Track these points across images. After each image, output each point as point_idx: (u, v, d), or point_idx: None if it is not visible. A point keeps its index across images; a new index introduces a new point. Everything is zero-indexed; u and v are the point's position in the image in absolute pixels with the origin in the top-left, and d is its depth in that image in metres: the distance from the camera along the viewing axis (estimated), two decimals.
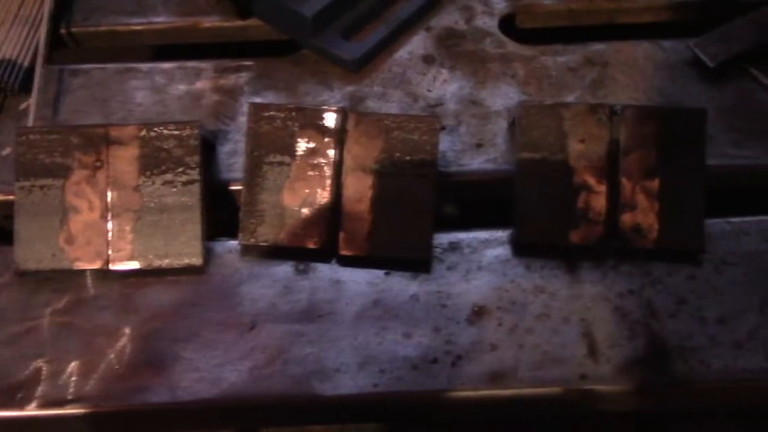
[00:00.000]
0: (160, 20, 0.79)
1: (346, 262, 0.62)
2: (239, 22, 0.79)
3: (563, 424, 0.99)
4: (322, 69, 0.75)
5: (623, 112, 0.63)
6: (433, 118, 0.63)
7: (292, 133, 0.63)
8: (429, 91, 0.73)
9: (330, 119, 0.63)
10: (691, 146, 0.63)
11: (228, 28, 0.79)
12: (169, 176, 0.62)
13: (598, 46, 0.76)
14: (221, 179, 0.67)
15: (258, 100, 0.73)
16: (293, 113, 0.63)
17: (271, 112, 0.63)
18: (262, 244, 0.62)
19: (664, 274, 0.62)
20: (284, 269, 0.62)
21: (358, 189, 0.62)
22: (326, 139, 0.63)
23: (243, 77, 0.74)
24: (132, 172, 0.62)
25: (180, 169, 0.62)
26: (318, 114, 0.63)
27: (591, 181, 0.62)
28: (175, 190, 0.62)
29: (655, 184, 0.62)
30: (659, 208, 0.62)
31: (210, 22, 0.79)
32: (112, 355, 0.59)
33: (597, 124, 0.63)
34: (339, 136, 0.63)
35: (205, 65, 0.75)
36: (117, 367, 0.58)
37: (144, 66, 0.75)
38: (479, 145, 0.69)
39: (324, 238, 0.62)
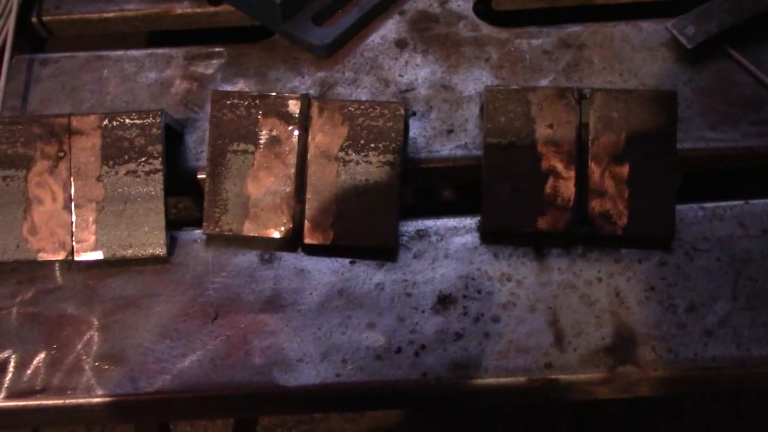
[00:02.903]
0: (132, 7, 0.78)
1: (311, 251, 0.62)
2: (211, 8, 0.78)
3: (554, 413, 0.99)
4: (293, 55, 0.74)
5: (592, 95, 0.62)
6: (397, 104, 0.62)
7: (255, 122, 0.62)
8: (401, 76, 0.72)
9: (293, 107, 0.62)
10: (662, 130, 0.62)
11: (199, 15, 0.78)
12: (131, 166, 0.61)
13: (573, 28, 0.74)
14: (189, 168, 0.67)
15: (228, 87, 0.72)
16: (256, 101, 0.62)
17: (234, 100, 0.63)
18: (226, 233, 0.61)
19: (635, 261, 0.61)
20: (249, 258, 0.62)
21: (323, 177, 0.61)
22: (290, 127, 0.62)
23: (213, 64, 0.74)
24: (94, 162, 0.61)
25: (143, 159, 0.61)
26: (281, 102, 0.62)
27: (559, 166, 0.61)
28: (138, 180, 0.61)
29: (624, 169, 0.61)
30: (629, 193, 0.61)
31: (181, 8, 0.78)
32: (79, 346, 0.59)
33: (565, 108, 0.62)
34: (302, 123, 0.62)
35: (176, 52, 0.74)
36: (83, 358, 0.58)
37: (114, 54, 0.74)
38: (450, 131, 0.68)
39: (288, 227, 0.61)
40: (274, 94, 0.63)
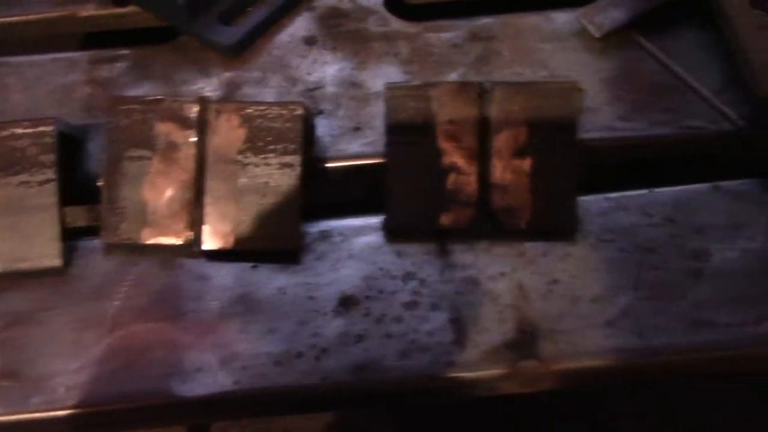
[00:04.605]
0: (36, 11, 0.76)
1: (213, 256, 0.61)
2: (117, 10, 0.76)
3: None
4: (201, 56, 0.73)
5: (493, 89, 0.61)
6: (296, 104, 0.61)
7: (151, 127, 0.61)
8: (308, 74, 0.71)
9: (189, 110, 0.61)
10: (564, 122, 0.61)
11: (106, 17, 0.77)
12: (24, 177, 0.60)
13: (484, 20, 0.74)
14: (90, 175, 0.65)
15: (133, 90, 0.70)
16: (152, 105, 0.61)
17: (129, 106, 0.61)
18: (125, 241, 0.60)
19: (539, 255, 0.61)
20: (148, 266, 0.61)
21: (222, 181, 0.60)
22: (186, 131, 0.61)
23: (118, 67, 0.72)
24: None
25: (35, 169, 0.60)
26: (177, 105, 0.61)
27: (461, 162, 0.61)
28: (31, 190, 0.60)
29: (526, 163, 0.61)
30: (531, 187, 0.61)
31: (87, 11, 0.76)
32: None
33: (466, 103, 0.61)
34: (200, 127, 0.61)
35: (80, 56, 0.73)
36: None
37: (14, 60, 0.73)
38: (357, 129, 0.67)
39: (188, 233, 0.60)
40: (169, 97, 0.61)
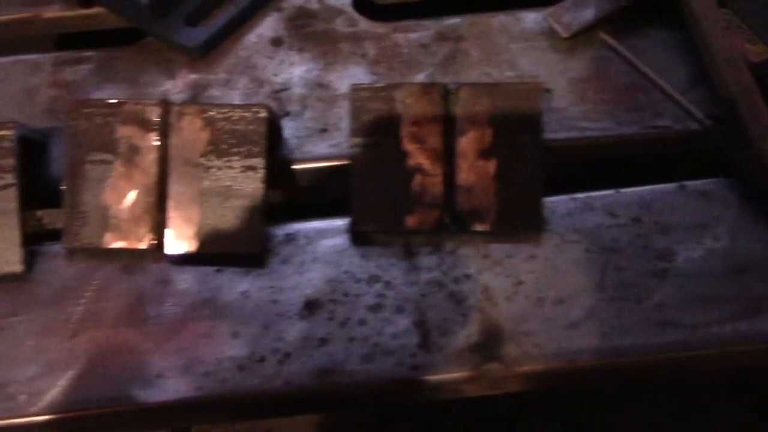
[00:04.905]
0: (0, 12, 0.75)
1: (176, 260, 0.60)
2: (82, 11, 0.76)
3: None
4: (166, 57, 0.72)
5: (457, 90, 0.61)
6: (259, 106, 0.61)
7: (113, 130, 0.60)
8: (275, 75, 0.70)
9: (151, 113, 0.60)
10: (528, 123, 0.61)
11: (71, 18, 0.76)
12: None
13: (452, 20, 0.74)
14: (53, 179, 0.65)
15: (97, 93, 0.70)
16: (113, 108, 0.61)
17: (91, 109, 0.61)
18: (87, 246, 0.60)
19: (504, 256, 0.60)
20: (111, 271, 0.60)
21: (185, 184, 0.60)
22: (149, 135, 0.60)
23: (83, 70, 0.71)
24: None
25: None
26: (139, 108, 0.61)
27: (426, 164, 0.60)
28: None
29: (491, 164, 0.61)
30: (496, 188, 0.60)
31: (52, 12, 0.76)
32: None
33: (430, 104, 0.61)
34: (162, 130, 0.60)
35: (43, 58, 0.72)
36: None
37: None
38: (324, 130, 0.67)
39: (151, 237, 0.59)
40: (131, 100, 0.61)
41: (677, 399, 1.03)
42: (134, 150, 0.60)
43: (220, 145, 0.60)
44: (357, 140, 0.61)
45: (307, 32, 0.73)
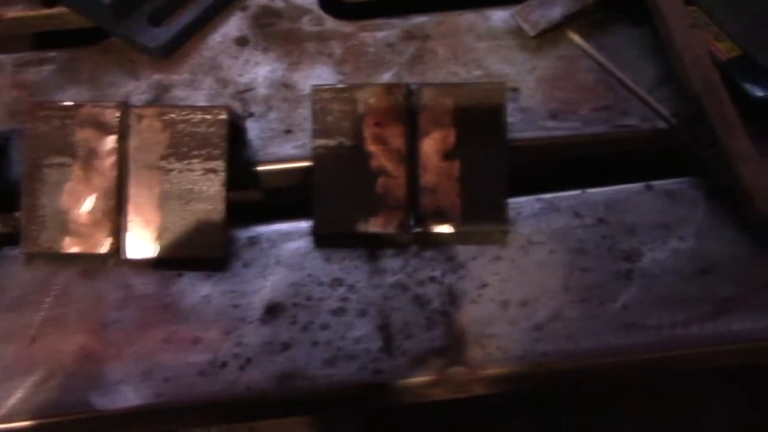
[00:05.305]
0: None
1: (136, 265, 0.59)
2: (45, 11, 0.74)
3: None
4: (130, 58, 0.71)
5: (420, 91, 0.61)
6: (220, 108, 0.60)
7: (71, 133, 0.60)
8: (240, 75, 0.70)
9: (110, 116, 0.60)
10: (492, 123, 0.60)
11: (33, 18, 0.75)
12: None
13: (419, 19, 0.73)
14: (12, 182, 0.64)
15: (59, 94, 0.69)
16: (71, 111, 0.60)
17: (48, 111, 0.60)
18: (45, 251, 0.59)
19: (469, 258, 0.60)
20: (70, 276, 0.59)
21: (145, 188, 0.59)
22: (107, 137, 0.59)
23: (45, 71, 0.70)
24: None
25: None
26: (98, 111, 0.60)
27: (389, 165, 0.60)
28: None
29: (455, 165, 0.60)
30: (460, 190, 0.60)
31: (14, 12, 0.74)
32: None
33: (393, 105, 0.60)
34: (121, 133, 0.59)
35: (4, 59, 0.71)
36: None
37: None
38: (288, 131, 0.66)
39: (110, 241, 0.59)
40: (89, 103, 0.60)
41: (666, 396, 1.03)
42: (93, 153, 0.59)
43: (180, 147, 0.59)
44: (319, 142, 0.60)
45: (272, 31, 0.72)
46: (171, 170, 0.59)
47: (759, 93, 0.66)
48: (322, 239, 0.61)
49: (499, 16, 0.73)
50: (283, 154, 0.65)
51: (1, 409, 0.54)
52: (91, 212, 0.59)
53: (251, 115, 0.67)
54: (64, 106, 0.60)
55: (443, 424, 1.01)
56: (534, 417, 1.02)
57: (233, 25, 0.73)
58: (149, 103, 0.67)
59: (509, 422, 1.02)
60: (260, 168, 0.65)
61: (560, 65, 0.70)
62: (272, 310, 0.58)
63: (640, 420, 1.02)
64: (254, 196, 0.66)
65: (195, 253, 0.59)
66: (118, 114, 0.59)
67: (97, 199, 0.59)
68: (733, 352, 0.58)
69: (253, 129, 0.66)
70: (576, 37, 0.70)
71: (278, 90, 0.69)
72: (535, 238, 0.61)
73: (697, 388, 1.04)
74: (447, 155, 0.60)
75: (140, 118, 0.60)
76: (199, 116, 0.59)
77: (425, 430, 1.03)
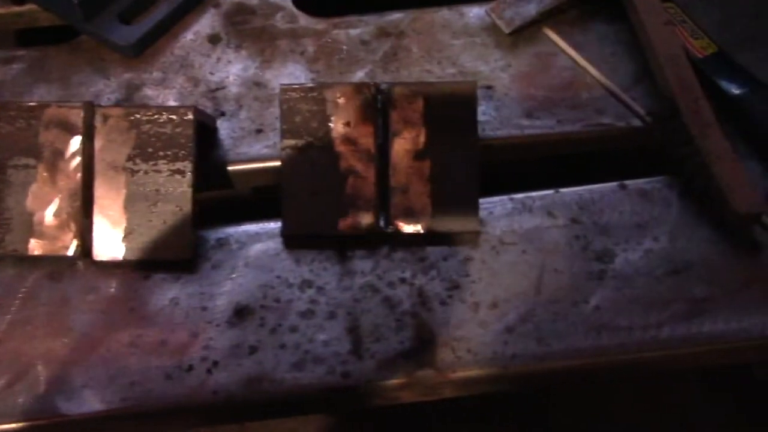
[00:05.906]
0: None
1: (103, 267, 0.59)
2: (15, 8, 0.73)
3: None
4: (100, 56, 0.70)
5: (391, 90, 0.60)
6: (186, 108, 0.59)
7: (36, 133, 0.59)
8: (211, 74, 0.69)
9: (75, 117, 0.59)
10: (463, 122, 0.60)
11: (3, 16, 0.74)
12: None
13: (394, 16, 0.72)
14: None
15: (28, 93, 0.68)
16: (36, 111, 0.59)
17: (13, 112, 0.59)
18: (10, 253, 0.58)
19: (440, 259, 0.59)
20: (36, 279, 0.59)
21: (111, 190, 0.58)
22: (73, 138, 0.58)
23: (14, 69, 0.69)
24: None
25: None
26: (63, 111, 0.59)
27: (358, 165, 0.59)
28: None
29: (425, 164, 0.59)
30: (431, 190, 0.59)
31: None
32: None
33: (363, 104, 0.60)
34: (87, 133, 0.59)
35: None
36: None
37: None
38: (259, 131, 0.65)
39: (76, 244, 0.58)
40: (54, 103, 0.59)
41: (654, 396, 1.02)
42: (58, 154, 0.58)
43: (147, 148, 0.58)
44: (288, 142, 0.59)
45: (245, 29, 0.72)
46: (137, 171, 0.58)
47: (735, 90, 0.65)
48: (291, 240, 0.60)
49: (474, 12, 0.72)
50: (254, 153, 0.64)
51: None
52: (56, 214, 0.58)
53: (222, 114, 0.66)
54: (29, 106, 0.59)
55: (431, 426, 1.00)
56: (520, 418, 1.02)
57: (206, 23, 0.72)
58: (119, 103, 0.66)
59: (495, 423, 1.02)
60: (231, 168, 0.64)
61: (535, 63, 0.69)
62: (240, 313, 0.57)
63: (628, 420, 1.02)
64: (224, 197, 0.65)
65: (162, 255, 0.58)
66: (83, 114, 0.58)
67: (62, 200, 0.58)
68: (707, 353, 0.57)
69: (224, 128, 0.65)
70: (551, 34, 0.70)
71: (250, 89, 0.68)
72: (506, 238, 0.60)
73: (685, 389, 1.03)
74: (418, 155, 0.59)
75: (106, 118, 0.59)
76: (165, 116, 0.59)
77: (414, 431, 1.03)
